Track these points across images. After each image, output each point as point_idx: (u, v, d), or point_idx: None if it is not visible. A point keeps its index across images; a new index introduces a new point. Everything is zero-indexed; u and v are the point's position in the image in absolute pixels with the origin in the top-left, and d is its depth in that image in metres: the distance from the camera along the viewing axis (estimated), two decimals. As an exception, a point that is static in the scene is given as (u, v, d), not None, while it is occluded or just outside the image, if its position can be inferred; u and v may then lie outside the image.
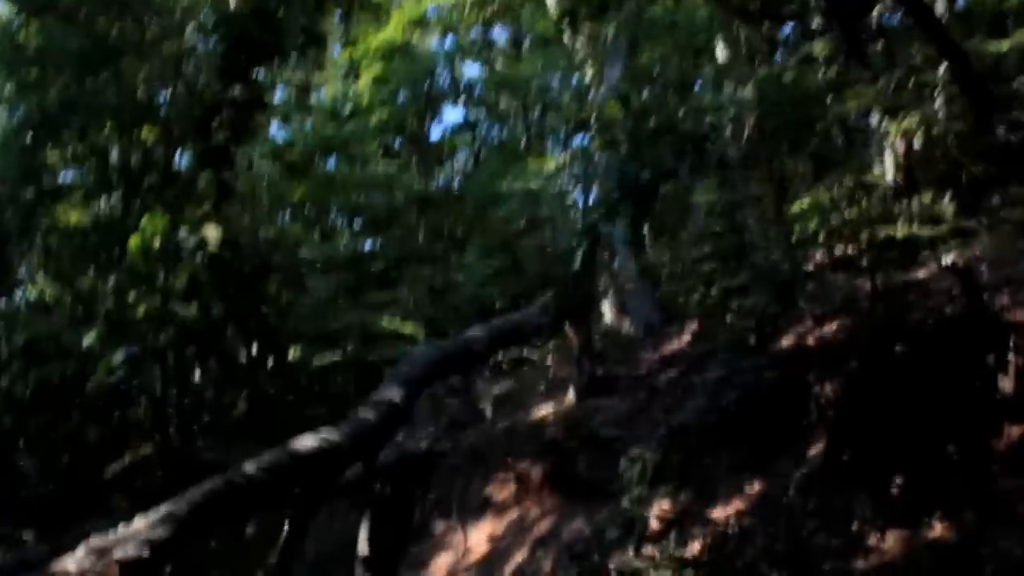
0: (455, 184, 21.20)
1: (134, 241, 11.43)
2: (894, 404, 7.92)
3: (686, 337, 12.35)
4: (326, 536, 10.26)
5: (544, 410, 11.24)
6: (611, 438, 10.02)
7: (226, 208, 11.43)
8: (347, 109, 19.49)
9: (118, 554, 4.56)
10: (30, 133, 15.02)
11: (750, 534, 7.97)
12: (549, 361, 12.75)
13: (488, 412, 11.93)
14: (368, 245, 19.90)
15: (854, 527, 7.55)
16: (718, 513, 8.28)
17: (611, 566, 7.85)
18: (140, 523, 4.82)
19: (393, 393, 7.79)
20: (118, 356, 13.63)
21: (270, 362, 11.66)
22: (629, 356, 12.71)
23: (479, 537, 10.42)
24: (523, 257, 16.04)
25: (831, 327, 9.65)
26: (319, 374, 12.60)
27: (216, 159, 12.16)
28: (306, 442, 6.30)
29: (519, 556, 9.76)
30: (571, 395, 10.97)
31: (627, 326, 14.21)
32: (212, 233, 10.85)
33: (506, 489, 10.70)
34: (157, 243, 11.21)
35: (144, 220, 11.59)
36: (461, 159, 22.50)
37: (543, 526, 9.94)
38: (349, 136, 18.53)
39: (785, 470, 8.43)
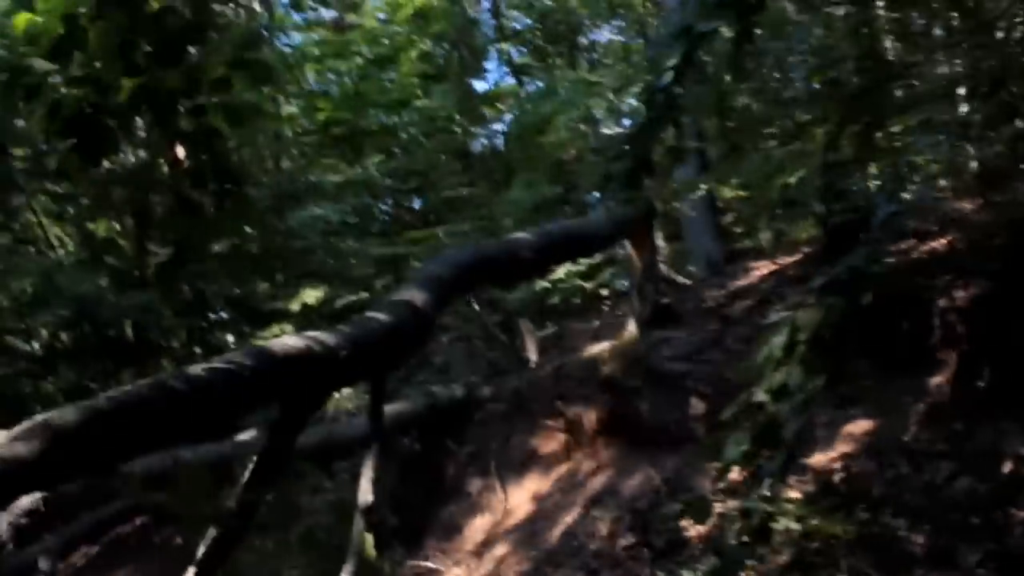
0: (499, 142, 19.52)
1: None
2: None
3: (762, 269, 10.72)
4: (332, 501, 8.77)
5: (599, 347, 9.59)
6: (679, 374, 8.37)
7: None
8: (384, 47, 17.59)
9: (-50, 473, 2.97)
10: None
11: (862, 480, 6.29)
12: (605, 292, 11.16)
13: (533, 355, 10.30)
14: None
15: (1006, 469, 5.83)
16: (819, 454, 6.59)
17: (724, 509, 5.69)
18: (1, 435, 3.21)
19: (414, 294, 5.64)
20: None
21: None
22: (692, 289, 11.06)
23: (522, 496, 8.83)
24: (576, 176, 14.31)
25: (940, 242, 8.06)
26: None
27: None
28: (287, 343, 4.43)
29: (569, 517, 8.16)
30: (631, 327, 9.29)
31: (683, 263, 12.60)
32: None
33: (554, 440, 9.09)
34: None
35: None
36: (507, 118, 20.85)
37: (598, 481, 8.33)
38: (387, 81, 16.74)
39: (902, 401, 6.74)
